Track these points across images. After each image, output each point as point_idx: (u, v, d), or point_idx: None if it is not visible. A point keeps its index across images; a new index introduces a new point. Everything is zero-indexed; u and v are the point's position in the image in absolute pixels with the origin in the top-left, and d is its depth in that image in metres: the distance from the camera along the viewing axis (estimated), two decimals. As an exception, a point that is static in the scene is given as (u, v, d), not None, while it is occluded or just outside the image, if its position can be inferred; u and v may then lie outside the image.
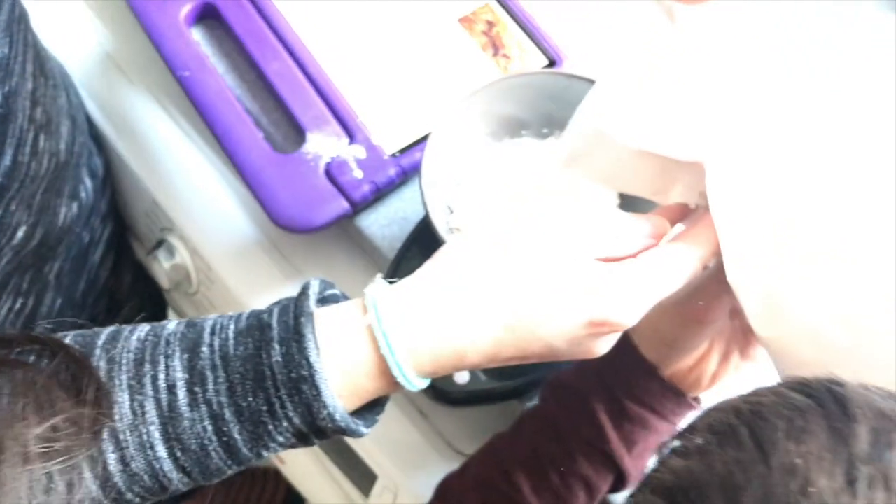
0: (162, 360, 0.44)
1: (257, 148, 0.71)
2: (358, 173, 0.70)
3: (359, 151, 0.71)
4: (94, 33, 0.84)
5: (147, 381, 0.44)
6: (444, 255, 0.47)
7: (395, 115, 0.73)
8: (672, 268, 0.47)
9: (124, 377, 0.44)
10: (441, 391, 0.64)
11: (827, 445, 0.33)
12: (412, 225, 0.69)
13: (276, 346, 0.43)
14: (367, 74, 0.75)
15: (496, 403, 0.65)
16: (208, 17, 0.79)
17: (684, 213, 0.52)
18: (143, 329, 0.46)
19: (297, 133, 0.73)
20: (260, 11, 0.77)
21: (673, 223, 0.52)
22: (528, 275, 0.45)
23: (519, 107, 0.66)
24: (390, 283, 0.46)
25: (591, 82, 0.64)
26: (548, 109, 0.67)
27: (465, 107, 0.64)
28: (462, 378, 0.64)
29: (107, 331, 0.47)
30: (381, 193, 0.71)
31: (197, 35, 0.78)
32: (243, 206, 0.77)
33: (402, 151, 0.72)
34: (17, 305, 0.73)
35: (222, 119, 0.72)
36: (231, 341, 0.44)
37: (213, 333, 0.45)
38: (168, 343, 0.45)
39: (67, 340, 0.45)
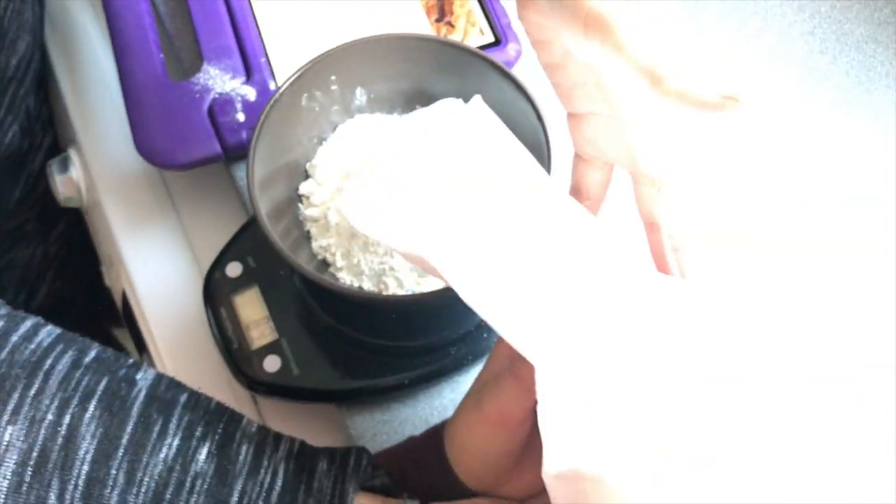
0: None
1: (147, 69, 0.65)
2: (240, 116, 0.63)
3: (249, 93, 0.63)
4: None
5: None
6: None
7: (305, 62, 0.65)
8: None
9: None
10: (246, 377, 0.56)
11: None
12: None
13: None
14: (294, 14, 0.67)
15: (306, 402, 0.57)
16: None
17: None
18: (172, 447, 0.41)
19: (199, 62, 0.66)
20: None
21: None
22: None
23: (402, 76, 0.57)
24: None
25: (482, 58, 0.54)
26: (439, 84, 0.57)
27: (334, 61, 0.55)
28: (272, 366, 0.56)
29: (133, 417, 0.42)
30: (264, 145, 0.63)
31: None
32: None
33: (301, 104, 0.64)
34: None
35: (124, 32, 0.66)
36: None
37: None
38: (192, 488, 0.41)
39: None
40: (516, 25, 0.67)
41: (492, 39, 0.66)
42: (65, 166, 0.74)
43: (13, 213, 0.78)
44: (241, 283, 0.58)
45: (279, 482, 0.42)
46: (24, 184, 0.78)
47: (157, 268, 0.66)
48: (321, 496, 0.42)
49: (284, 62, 0.65)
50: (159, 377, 0.45)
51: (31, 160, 0.79)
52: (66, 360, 0.42)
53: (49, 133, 0.82)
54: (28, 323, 0.43)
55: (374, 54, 0.55)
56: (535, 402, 0.35)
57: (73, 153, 0.74)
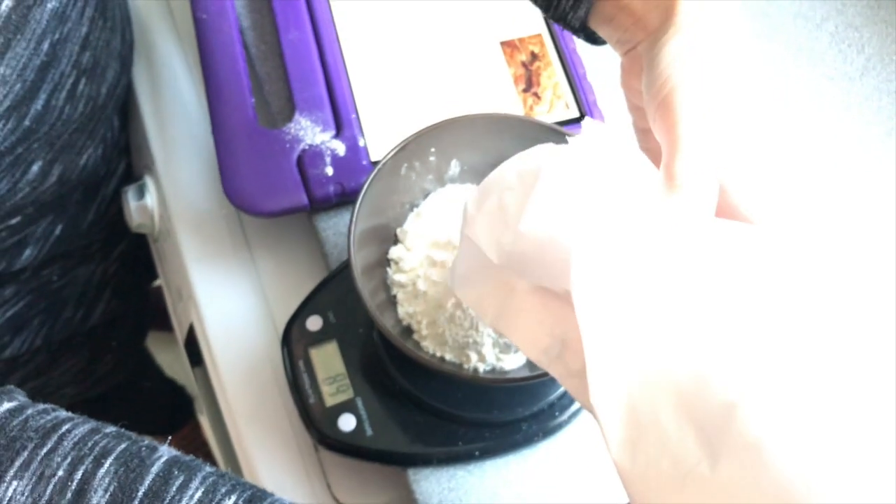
0: None
1: (239, 114, 0.66)
2: (329, 170, 0.64)
3: (339, 148, 0.65)
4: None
5: None
6: None
7: (394, 122, 0.66)
8: None
9: None
10: (320, 433, 0.57)
11: None
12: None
13: None
14: (386, 73, 0.69)
15: (376, 463, 0.58)
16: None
17: None
18: (193, 498, 0.38)
19: (290, 110, 0.67)
20: (303, -24, 0.72)
21: None
22: None
23: (492, 149, 0.58)
24: None
25: (560, 133, 0.56)
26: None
27: (436, 134, 0.56)
28: (347, 425, 0.57)
29: (152, 473, 0.39)
30: (348, 198, 0.65)
31: (235, -18, 0.73)
32: (223, 169, 0.72)
33: (387, 163, 0.65)
34: (14, 221, 0.70)
35: (218, 73, 0.68)
36: None
37: None
38: None
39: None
40: (602, 104, 0.68)
41: (576, 114, 0.67)
42: (140, 193, 0.75)
43: (85, 234, 0.79)
44: (320, 338, 0.59)
45: None
46: (98, 207, 0.80)
47: (229, 308, 0.67)
48: None
49: (374, 120, 0.66)
50: (185, 454, 0.42)
51: (105, 185, 0.80)
52: (85, 427, 0.40)
53: (124, 159, 0.83)
54: (47, 405, 0.41)
55: (471, 129, 0.57)
56: None
57: (149, 181, 0.75)
